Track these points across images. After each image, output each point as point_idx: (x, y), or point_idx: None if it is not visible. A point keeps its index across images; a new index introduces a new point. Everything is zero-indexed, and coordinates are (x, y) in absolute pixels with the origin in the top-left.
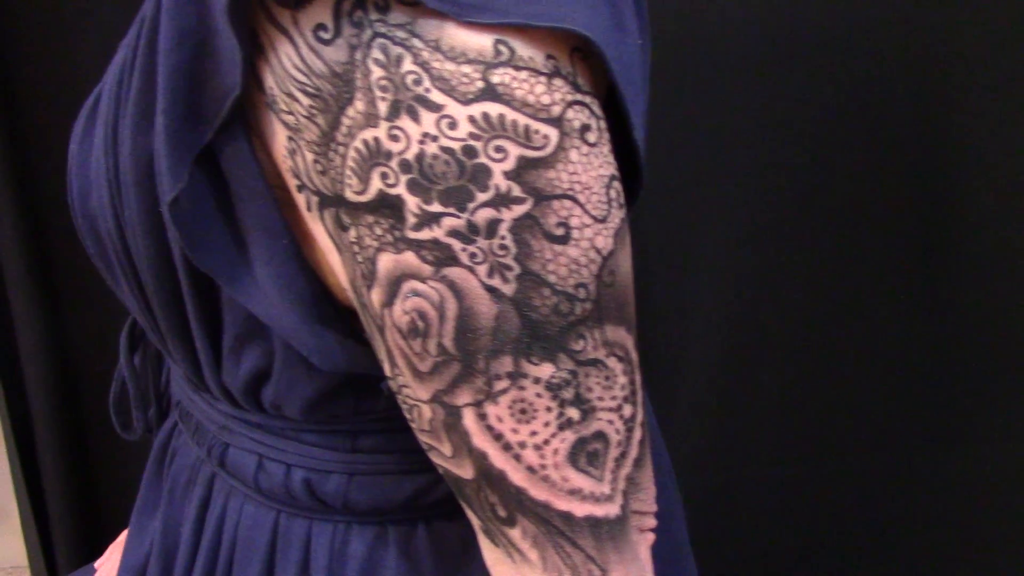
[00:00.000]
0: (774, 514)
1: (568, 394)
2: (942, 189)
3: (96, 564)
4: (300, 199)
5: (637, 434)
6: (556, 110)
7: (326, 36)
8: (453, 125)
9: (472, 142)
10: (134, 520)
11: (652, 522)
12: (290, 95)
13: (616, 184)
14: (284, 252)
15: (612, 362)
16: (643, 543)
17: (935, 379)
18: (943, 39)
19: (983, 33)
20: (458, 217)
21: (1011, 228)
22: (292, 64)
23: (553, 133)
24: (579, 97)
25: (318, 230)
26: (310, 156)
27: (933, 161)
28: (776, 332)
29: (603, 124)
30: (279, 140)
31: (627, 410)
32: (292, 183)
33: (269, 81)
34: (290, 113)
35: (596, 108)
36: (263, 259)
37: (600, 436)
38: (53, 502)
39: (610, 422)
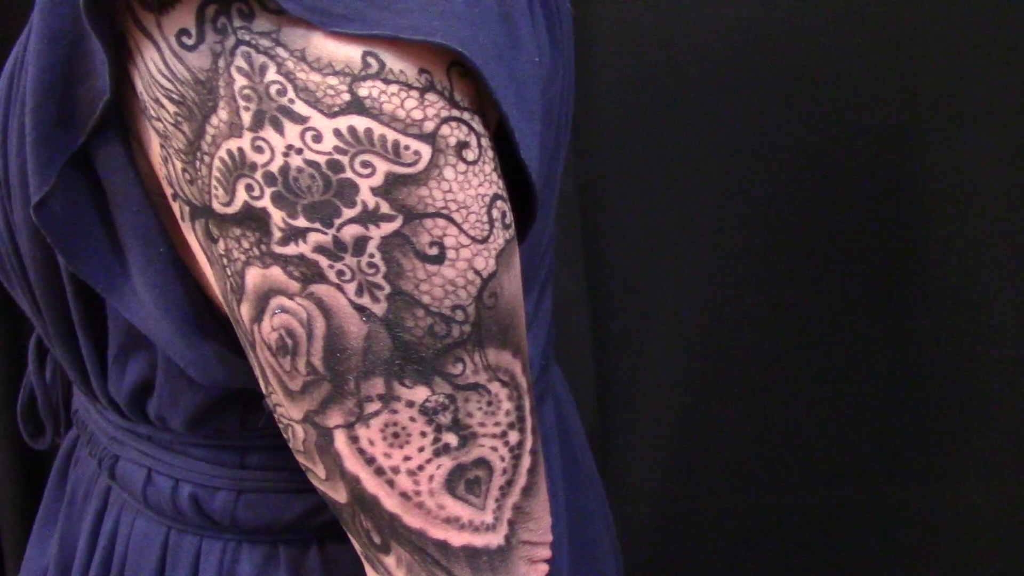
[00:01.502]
0: (738, 543)
1: (445, 419)
2: (920, 219)
3: None
4: (175, 208)
5: (526, 462)
6: (429, 126)
7: (189, 42)
8: (318, 138)
9: (338, 156)
10: (35, 530)
11: (545, 553)
12: (157, 101)
13: (500, 204)
14: (160, 261)
15: (495, 387)
16: (532, 574)
17: (905, 411)
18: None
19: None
20: (324, 233)
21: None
22: (157, 69)
23: (425, 149)
24: (455, 113)
25: (192, 241)
26: (179, 165)
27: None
28: (743, 357)
29: (485, 142)
30: (154, 147)
31: (513, 437)
32: (168, 191)
33: (139, 86)
34: (159, 120)
35: (477, 125)
36: (139, 267)
37: (482, 463)
38: None
39: (493, 449)
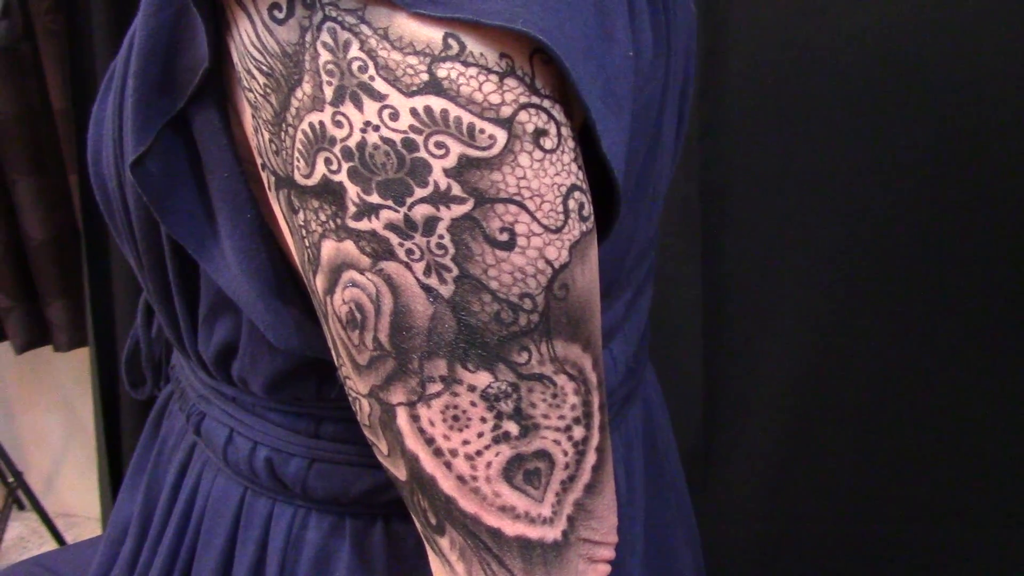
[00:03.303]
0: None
1: (507, 407)
2: None
3: None
4: (264, 177)
5: (591, 459)
6: (506, 111)
7: (279, 15)
8: (395, 116)
9: (413, 135)
10: (128, 477)
11: (607, 553)
12: (249, 72)
13: (578, 195)
14: (247, 226)
15: (561, 379)
16: (590, 573)
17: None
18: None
19: None
20: (396, 211)
21: None
22: (250, 41)
23: (501, 134)
24: (535, 100)
25: (277, 210)
26: (267, 135)
27: None
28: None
29: (566, 132)
30: (247, 117)
31: (578, 432)
32: (258, 160)
33: (234, 57)
34: (250, 91)
35: (557, 114)
36: (228, 231)
37: (543, 455)
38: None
39: (556, 442)
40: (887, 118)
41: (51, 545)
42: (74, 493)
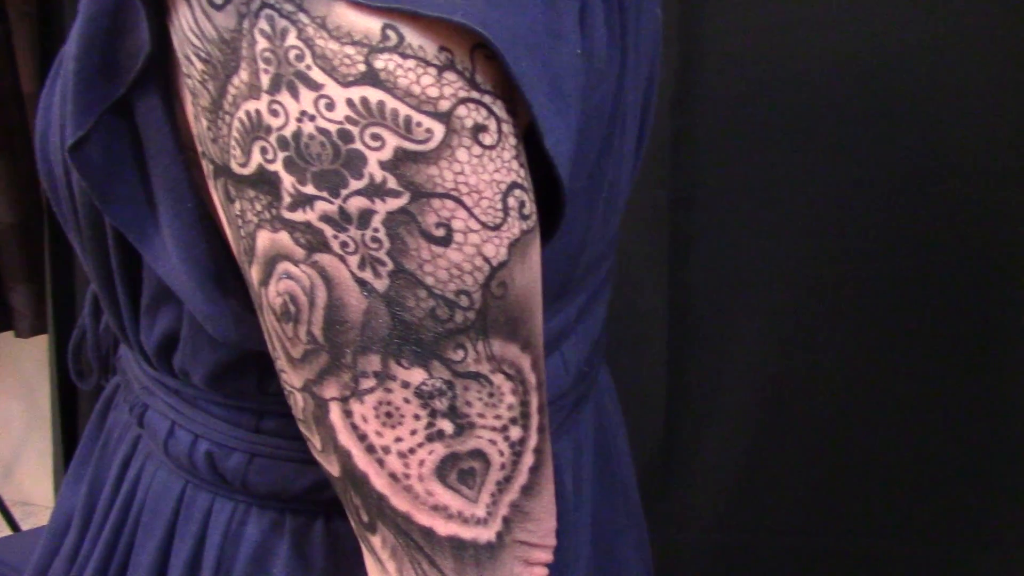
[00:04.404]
0: None
1: (441, 405)
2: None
3: None
4: (203, 165)
5: (528, 460)
6: (444, 105)
7: (218, 1)
8: (331, 106)
9: (348, 126)
10: (72, 468)
11: (544, 556)
12: (188, 58)
13: (519, 193)
14: (188, 215)
15: (498, 379)
16: (526, 575)
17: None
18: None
19: None
20: (331, 202)
21: None
22: (188, 27)
23: (438, 128)
24: (475, 95)
25: (216, 199)
26: (205, 122)
27: None
28: (821, 394)
29: (508, 128)
30: (189, 104)
31: (514, 432)
32: (198, 148)
33: (174, 42)
34: (189, 77)
35: (499, 110)
36: (168, 220)
37: (478, 455)
38: None
39: (492, 442)
40: (856, 129)
41: (6, 533)
42: (33, 481)
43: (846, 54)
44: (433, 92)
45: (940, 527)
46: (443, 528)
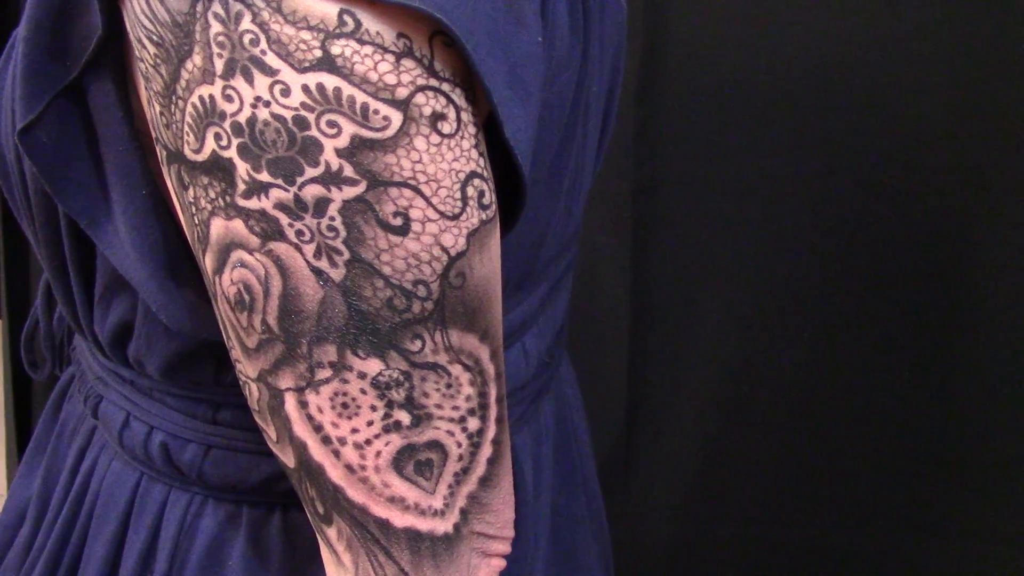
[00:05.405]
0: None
1: (398, 396)
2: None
3: None
4: (157, 151)
5: (486, 451)
6: (402, 92)
7: None
8: (286, 92)
9: (304, 113)
10: (25, 460)
11: (502, 548)
12: (140, 42)
13: (478, 182)
14: (141, 202)
15: (456, 370)
16: (483, 568)
17: (948, 465)
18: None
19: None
20: (286, 190)
21: None
22: (140, 10)
23: (396, 116)
24: (433, 83)
25: (170, 185)
26: (157, 108)
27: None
28: (781, 386)
29: (467, 117)
30: (142, 88)
31: (472, 423)
32: (152, 134)
33: (127, 25)
34: (142, 61)
35: (458, 98)
36: (121, 207)
37: (435, 446)
38: None
39: (450, 433)
40: (819, 121)
41: None
42: None
43: (810, 47)
44: (391, 79)
45: (901, 517)
46: (399, 520)
